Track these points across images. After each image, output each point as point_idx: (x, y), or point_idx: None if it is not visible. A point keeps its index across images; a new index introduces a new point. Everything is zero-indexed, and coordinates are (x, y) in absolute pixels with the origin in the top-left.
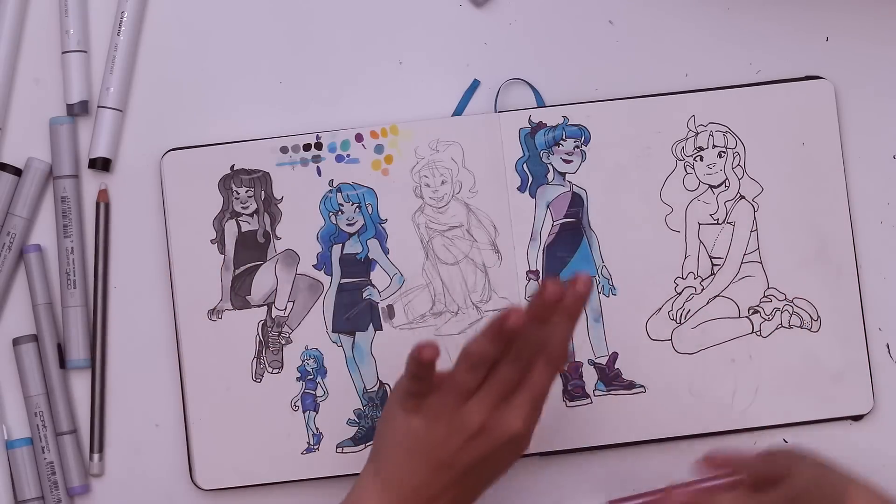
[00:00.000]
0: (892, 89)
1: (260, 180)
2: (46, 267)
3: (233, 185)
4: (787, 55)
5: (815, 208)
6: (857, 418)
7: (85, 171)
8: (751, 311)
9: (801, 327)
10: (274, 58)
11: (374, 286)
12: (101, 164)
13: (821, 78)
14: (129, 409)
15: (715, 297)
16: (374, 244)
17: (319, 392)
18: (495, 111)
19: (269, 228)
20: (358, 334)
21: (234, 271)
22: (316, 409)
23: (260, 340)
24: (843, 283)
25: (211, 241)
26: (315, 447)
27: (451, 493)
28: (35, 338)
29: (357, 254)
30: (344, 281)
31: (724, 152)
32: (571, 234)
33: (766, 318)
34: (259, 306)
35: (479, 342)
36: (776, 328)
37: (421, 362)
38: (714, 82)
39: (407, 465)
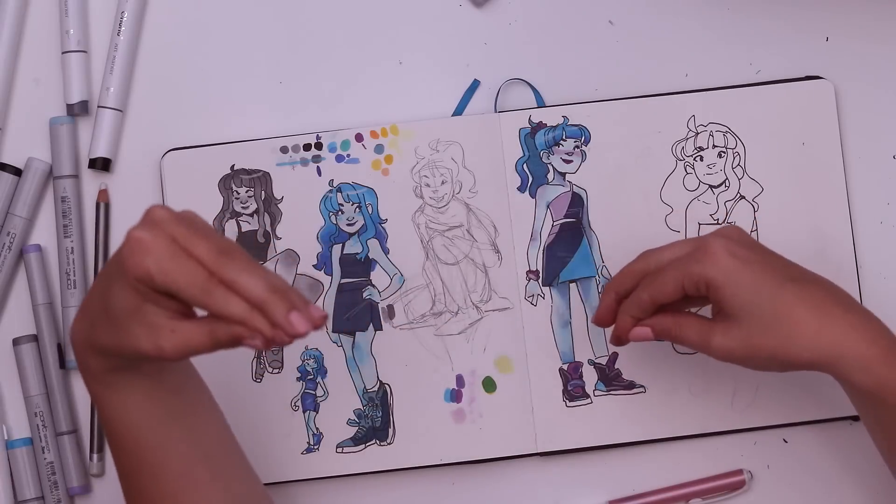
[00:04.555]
0: (892, 89)
1: (260, 180)
2: (46, 267)
3: (233, 185)
4: (787, 55)
5: (815, 208)
6: (857, 418)
7: (85, 171)
8: None
9: None
10: (274, 58)
11: (374, 286)
12: (101, 164)
13: (821, 78)
14: None
15: None
16: (374, 244)
17: (319, 392)
18: (495, 111)
19: (269, 228)
20: (358, 334)
21: None
22: (316, 409)
23: None
24: (843, 283)
25: None
26: (315, 447)
27: None
28: (35, 338)
29: (357, 254)
30: (344, 281)
31: (724, 152)
32: (571, 234)
33: None
34: None
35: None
36: None
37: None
38: (714, 82)
39: None
